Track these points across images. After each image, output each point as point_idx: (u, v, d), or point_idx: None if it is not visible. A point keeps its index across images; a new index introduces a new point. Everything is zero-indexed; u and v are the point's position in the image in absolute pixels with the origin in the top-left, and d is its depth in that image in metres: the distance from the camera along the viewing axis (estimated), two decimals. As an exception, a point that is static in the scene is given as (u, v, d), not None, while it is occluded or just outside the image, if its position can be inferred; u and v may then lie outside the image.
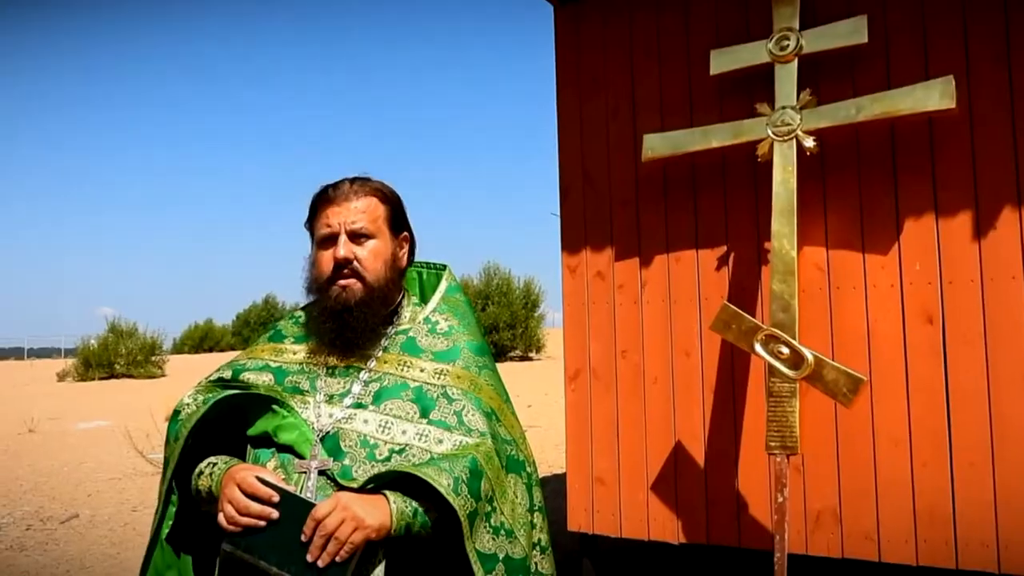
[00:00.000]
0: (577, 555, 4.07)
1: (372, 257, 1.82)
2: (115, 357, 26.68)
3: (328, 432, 1.73)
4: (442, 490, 1.57)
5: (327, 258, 1.81)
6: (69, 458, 10.43)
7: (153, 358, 27.48)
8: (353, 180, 1.87)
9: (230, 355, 2.00)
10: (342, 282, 1.80)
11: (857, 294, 3.36)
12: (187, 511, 1.82)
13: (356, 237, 1.81)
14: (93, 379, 25.95)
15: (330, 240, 1.82)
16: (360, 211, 1.82)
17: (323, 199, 1.85)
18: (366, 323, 1.80)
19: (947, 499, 3.15)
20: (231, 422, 1.82)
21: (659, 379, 3.77)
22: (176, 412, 1.81)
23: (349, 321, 1.79)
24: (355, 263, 1.80)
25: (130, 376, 26.15)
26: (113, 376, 26.27)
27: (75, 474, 9.31)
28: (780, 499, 3.04)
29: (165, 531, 1.79)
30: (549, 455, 8.71)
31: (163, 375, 26.53)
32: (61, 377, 26.74)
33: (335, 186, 1.86)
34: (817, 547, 3.39)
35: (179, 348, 41.39)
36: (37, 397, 19.95)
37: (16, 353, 55.10)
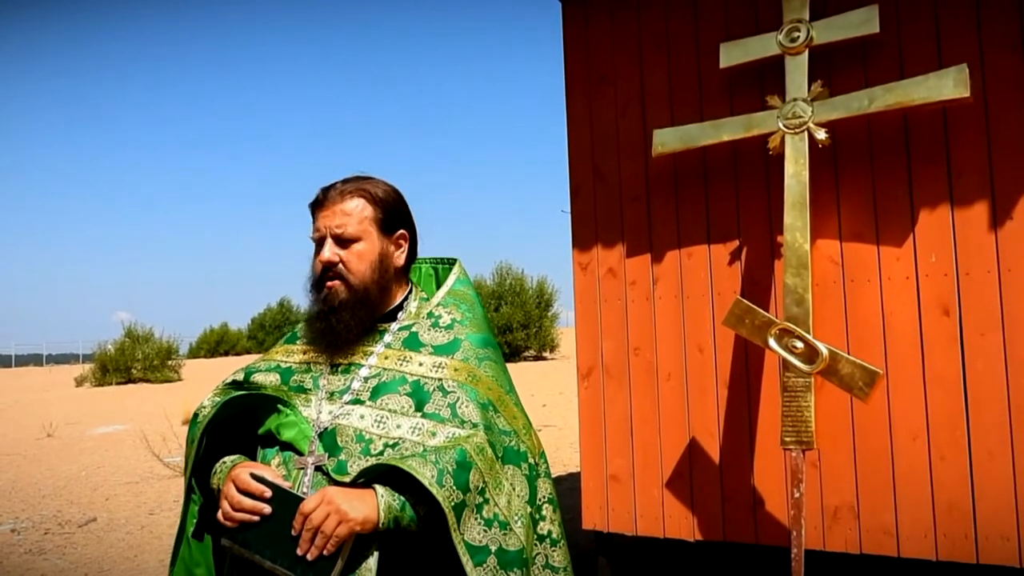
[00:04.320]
0: (593, 553, 4.06)
1: (357, 259, 1.83)
2: (132, 362, 26.87)
3: (326, 428, 1.75)
4: (425, 481, 1.57)
5: (317, 260, 1.86)
6: (87, 462, 10.50)
7: (169, 363, 27.66)
8: (346, 181, 1.88)
9: (245, 359, 2.04)
10: (328, 284, 1.83)
11: (872, 287, 3.33)
12: (210, 509, 1.85)
13: (341, 240, 1.83)
14: (110, 384, 26.13)
15: (320, 243, 1.86)
16: (346, 214, 1.84)
17: (316, 202, 1.88)
18: (349, 325, 1.82)
19: (966, 493, 3.11)
20: (247, 422, 1.85)
21: (672, 376, 3.75)
22: (195, 415, 1.86)
23: (331, 320, 1.82)
24: (340, 266, 1.82)
25: (147, 381, 26.32)
26: (130, 381, 26.45)
27: (93, 478, 9.37)
28: (796, 495, 3.01)
29: (190, 529, 1.84)
30: (564, 454, 8.69)
31: (179, 379, 26.68)
32: (79, 382, 26.94)
33: (326, 189, 1.88)
34: (835, 543, 3.35)
35: (195, 352, 41.63)
36: (55, 402, 20.13)
37: (35, 359, 55.62)
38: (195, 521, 1.84)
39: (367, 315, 1.85)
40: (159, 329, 29.28)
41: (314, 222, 1.87)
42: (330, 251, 1.82)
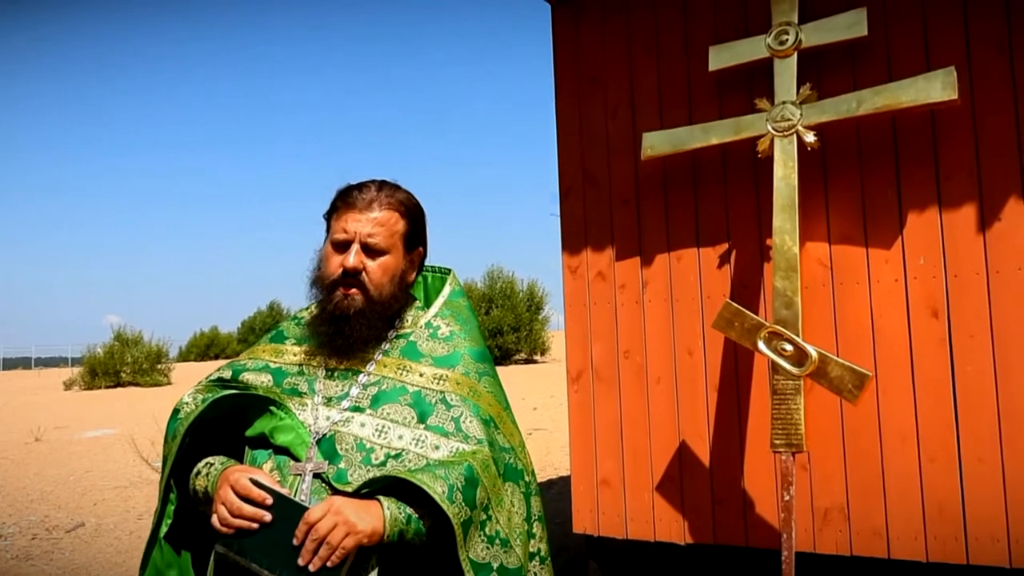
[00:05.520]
0: (583, 557, 4.05)
1: (380, 271, 1.81)
2: (121, 365, 26.75)
3: (324, 435, 1.71)
4: (436, 497, 1.55)
5: (336, 262, 1.80)
6: (75, 467, 10.44)
7: (159, 366, 27.55)
8: (381, 187, 1.84)
9: (235, 362, 2.02)
10: (346, 290, 1.79)
11: (861, 289, 3.33)
12: (186, 510, 1.81)
13: (369, 249, 1.80)
14: (99, 387, 26.00)
15: (344, 245, 1.80)
16: (379, 223, 1.80)
17: (347, 201, 1.82)
18: (361, 334, 1.79)
19: (956, 494, 3.12)
20: (232, 422, 1.81)
21: (662, 379, 3.75)
22: (176, 411, 1.82)
23: (344, 329, 1.78)
24: (363, 274, 1.79)
25: (136, 384, 26.21)
26: (119, 384, 26.33)
27: (81, 483, 9.31)
28: (786, 497, 3.01)
29: (164, 530, 1.80)
30: (555, 458, 8.68)
31: (169, 383, 26.56)
32: (68, 386, 26.80)
33: (361, 189, 1.83)
34: (825, 545, 3.36)
35: (185, 356, 41.49)
36: (44, 406, 20.00)
37: (24, 363, 55.34)
38: (170, 522, 1.79)
39: (381, 326, 1.83)
40: (149, 332, 29.19)
41: (340, 220, 1.81)
42: (356, 258, 1.78)
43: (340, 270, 1.79)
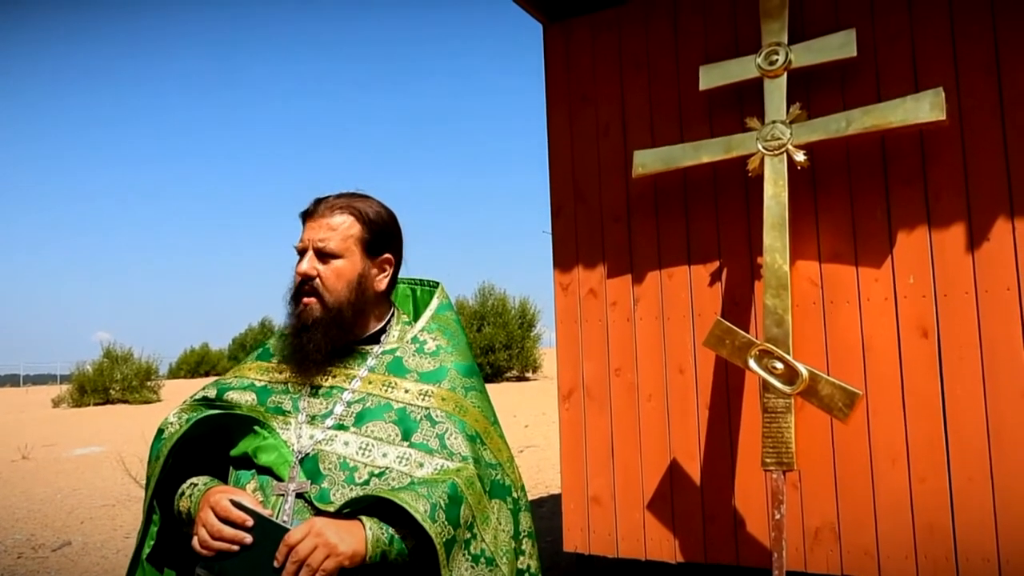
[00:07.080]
0: (574, 576, 4.02)
1: (334, 277, 1.78)
2: (110, 383, 26.56)
3: (308, 454, 1.69)
4: (418, 516, 1.53)
5: (295, 272, 1.81)
6: (63, 485, 10.34)
7: (148, 383, 27.36)
8: (339, 196, 1.85)
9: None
10: (304, 300, 1.79)
11: (851, 308, 3.34)
12: (171, 531, 1.78)
13: (322, 255, 1.79)
14: (88, 405, 25.80)
15: (302, 254, 1.81)
16: (331, 228, 1.79)
17: (307, 212, 1.84)
18: (320, 344, 1.76)
19: (946, 514, 3.11)
20: (217, 441, 1.79)
21: (653, 396, 3.74)
22: (160, 431, 1.79)
23: (304, 340, 1.77)
24: (316, 280, 1.78)
25: (125, 402, 26.03)
26: (108, 402, 26.14)
27: (68, 501, 9.22)
28: (777, 516, 3.00)
29: (147, 551, 1.76)
30: (547, 476, 8.64)
31: (159, 400, 26.38)
32: (56, 403, 26.58)
33: (319, 200, 1.84)
34: (816, 564, 3.34)
35: (175, 373, 41.25)
36: (32, 424, 19.84)
37: (12, 380, 54.90)
38: (152, 543, 1.76)
39: (339, 336, 1.80)
40: (139, 349, 29.04)
41: (301, 232, 1.83)
42: (309, 264, 1.78)
43: (298, 279, 1.80)
